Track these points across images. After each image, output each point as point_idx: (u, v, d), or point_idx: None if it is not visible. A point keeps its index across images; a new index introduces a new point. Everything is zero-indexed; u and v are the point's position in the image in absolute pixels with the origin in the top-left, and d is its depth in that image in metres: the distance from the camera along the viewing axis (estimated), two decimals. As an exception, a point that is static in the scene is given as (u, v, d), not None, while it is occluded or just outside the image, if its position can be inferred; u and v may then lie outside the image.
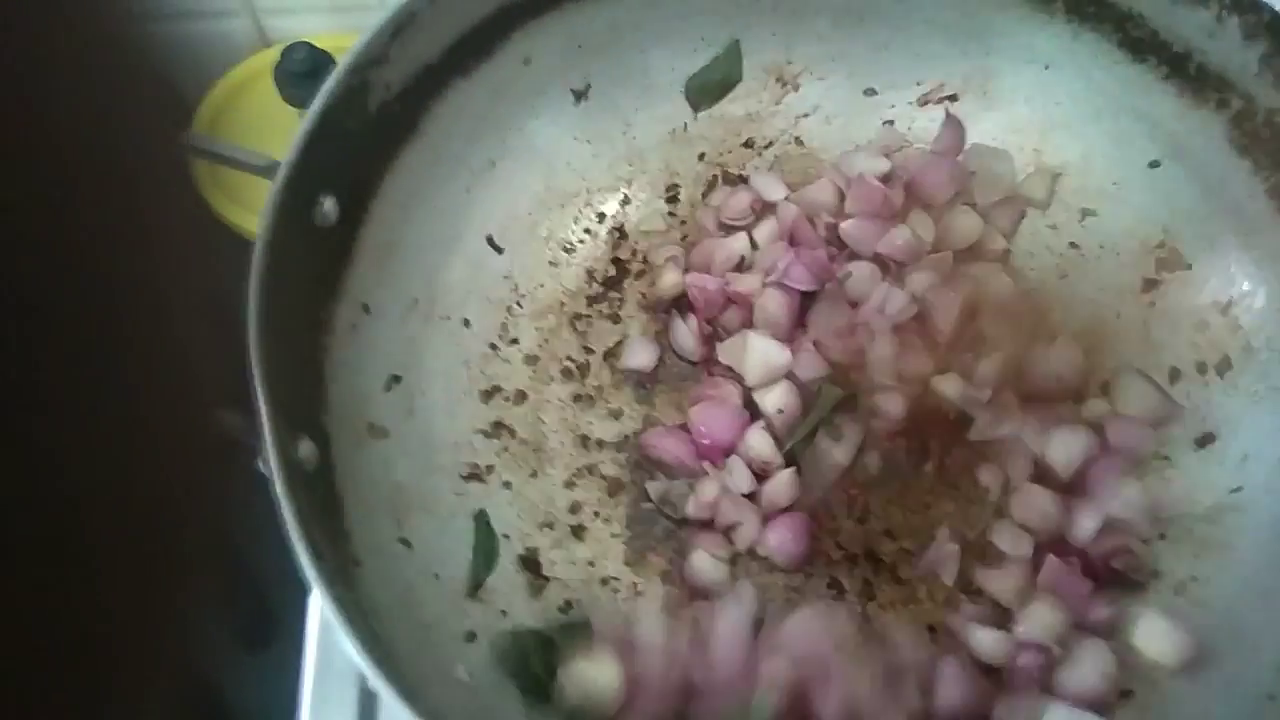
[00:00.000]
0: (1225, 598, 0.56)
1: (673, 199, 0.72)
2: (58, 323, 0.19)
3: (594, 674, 0.51)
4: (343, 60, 0.55)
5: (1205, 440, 0.62)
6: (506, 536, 0.59)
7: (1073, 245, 0.69)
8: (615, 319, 0.68)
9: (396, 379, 0.60)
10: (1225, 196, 0.64)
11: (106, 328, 0.21)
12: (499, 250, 0.66)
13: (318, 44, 0.72)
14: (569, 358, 0.67)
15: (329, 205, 0.54)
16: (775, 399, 0.62)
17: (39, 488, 0.19)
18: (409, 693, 0.43)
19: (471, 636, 0.54)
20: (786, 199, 0.69)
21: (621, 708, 0.51)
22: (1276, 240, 0.62)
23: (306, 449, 0.49)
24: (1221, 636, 0.55)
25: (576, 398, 0.66)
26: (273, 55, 0.74)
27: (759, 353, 0.63)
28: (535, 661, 0.52)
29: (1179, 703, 0.53)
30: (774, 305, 0.64)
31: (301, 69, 0.71)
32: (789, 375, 0.63)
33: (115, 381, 0.21)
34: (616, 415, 0.65)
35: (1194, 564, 0.58)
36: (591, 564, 0.60)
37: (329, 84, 0.54)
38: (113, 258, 0.21)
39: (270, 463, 0.44)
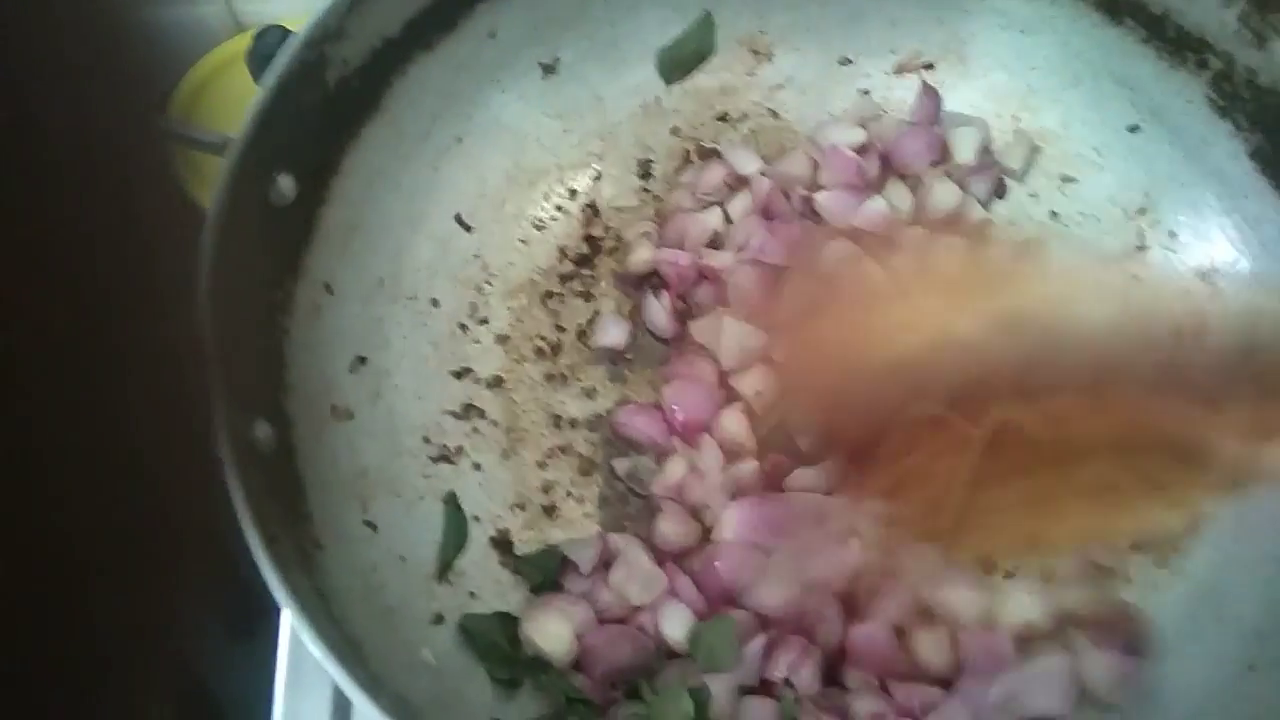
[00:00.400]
0: (1206, 569, 0.55)
1: (646, 174, 0.71)
2: (40, 318, 0.19)
3: (549, 626, 0.50)
4: (297, 35, 0.54)
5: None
6: (477, 518, 0.59)
7: (1053, 214, 0.68)
8: (588, 297, 0.67)
9: (362, 360, 0.59)
10: (1206, 160, 0.63)
11: (92, 323, 0.21)
12: (468, 229, 0.65)
13: (290, 27, 0.70)
14: (541, 337, 0.66)
15: (285, 183, 0.53)
16: (753, 381, 0.61)
17: (30, 485, 0.19)
18: (367, 681, 0.42)
19: (439, 619, 0.53)
20: (761, 173, 0.68)
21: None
22: (1258, 204, 0.61)
23: (263, 431, 0.48)
24: (1203, 608, 0.54)
25: (549, 377, 0.65)
26: (247, 40, 0.73)
27: (733, 336, 0.62)
28: (502, 640, 0.51)
29: (1160, 671, 0.52)
30: (747, 281, 0.63)
31: (274, 52, 0.70)
32: (765, 358, 0.62)
33: (101, 378, 0.21)
34: (590, 394, 0.64)
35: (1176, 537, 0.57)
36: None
37: (283, 59, 0.53)
38: (94, 247, 0.21)
39: (222, 445, 0.43)
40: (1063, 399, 0.44)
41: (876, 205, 0.65)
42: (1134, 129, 0.65)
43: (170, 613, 0.25)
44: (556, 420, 0.63)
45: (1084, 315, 0.45)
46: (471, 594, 0.56)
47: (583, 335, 0.66)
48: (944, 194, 0.67)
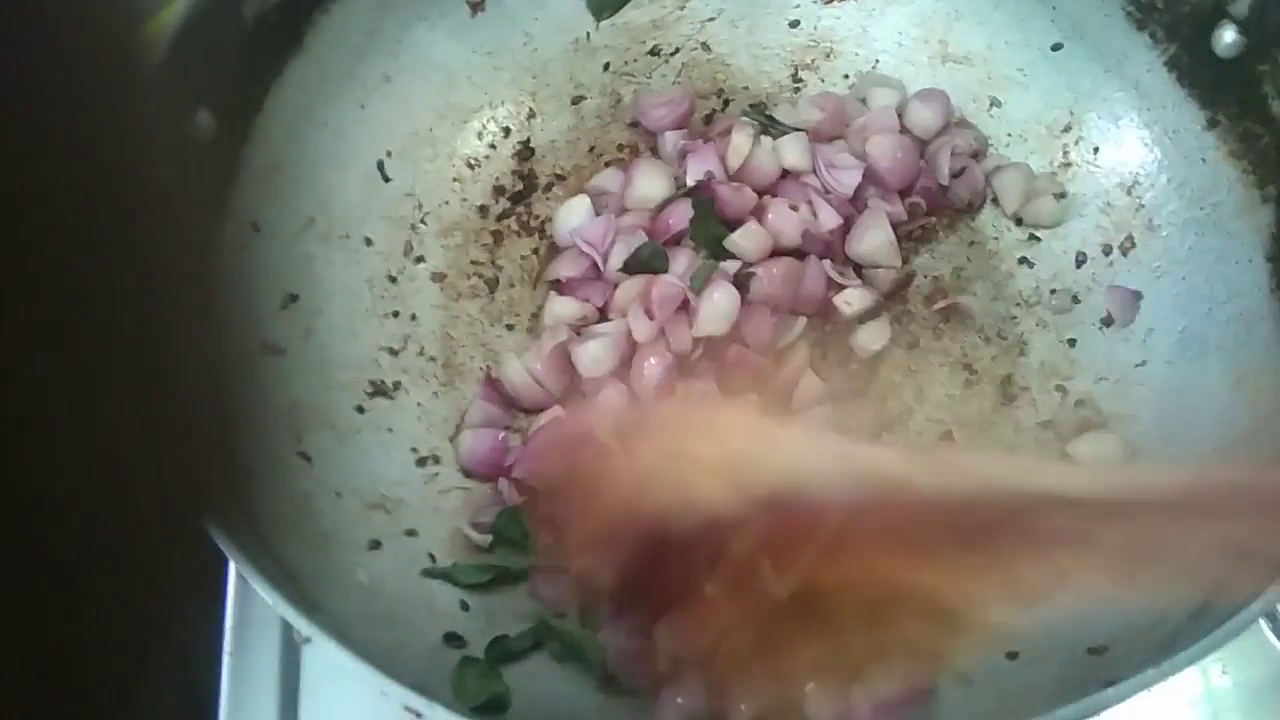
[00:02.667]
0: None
1: (579, 111, 0.71)
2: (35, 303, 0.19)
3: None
4: (209, -32, 0.53)
5: (1110, 319, 0.62)
6: (415, 450, 0.59)
7: (980, 137, 0.68)
8: (523, 233, 0.67)
9: (293, 298, 0.59)
10: (1126, 73, 0.63)
11: (86, 315, 0.21)
12: (387, 179, 0.65)
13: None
14: (478, 275, 0.66)
15: (204, 118, 0.53)
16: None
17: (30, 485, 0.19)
18: (297, 598, 0.43)
19: (375, 544, 0.53)
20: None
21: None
22: (1176, 114, 0.62)
23: (186, 360, 0.49)
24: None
25: (486, 313, 0.65)
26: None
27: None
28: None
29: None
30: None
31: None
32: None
33: (102, 376, 0.21)
34: (529, 329, 0.65)
35: (1099, 439, 0.58)
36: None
37: (195, -7, 0.52)
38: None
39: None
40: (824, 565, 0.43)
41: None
42: (1057, 47, 0.66)
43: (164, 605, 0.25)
44: (495, 354, 0.64)
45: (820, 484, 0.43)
46: (409, 531, 0.56)
47: (518, 272, 0.66)
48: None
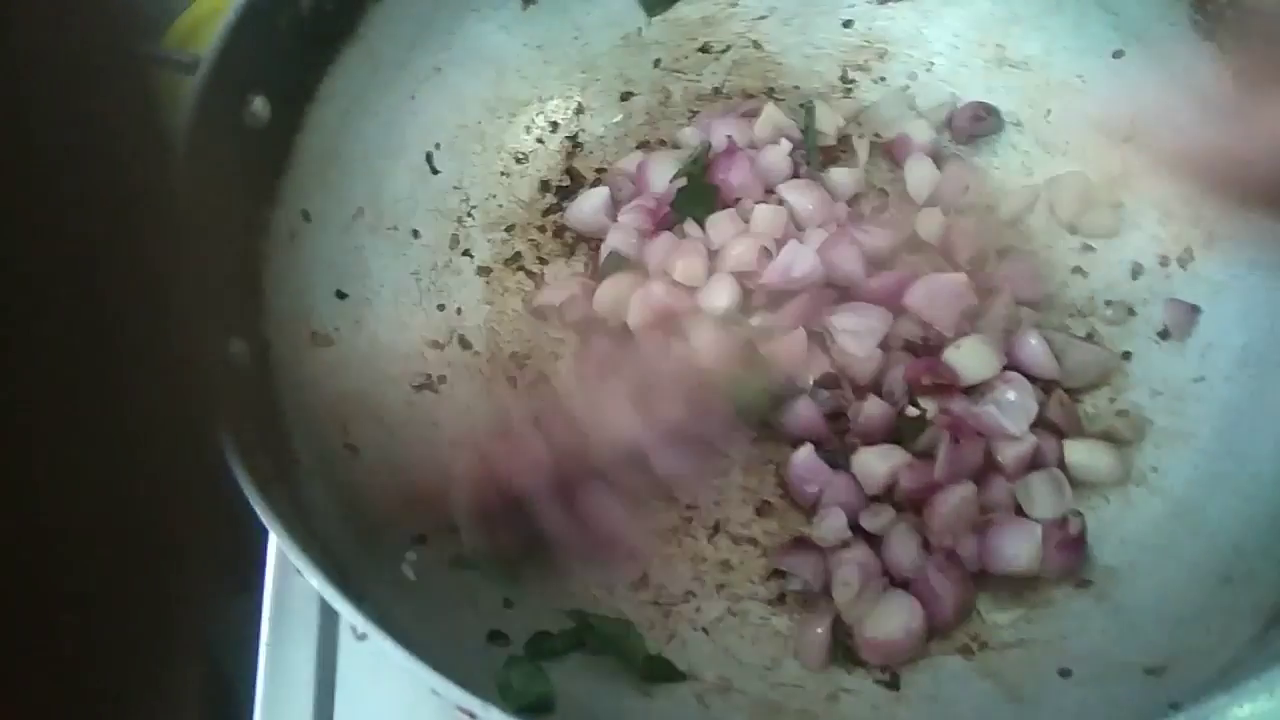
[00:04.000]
0: (1185, 486, 0.56)
1: (628, 107, 0.70)
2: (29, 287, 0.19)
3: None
4: (269, -45, 0.53)
5: (1167, 333, 0.61)
6: (459, 445, 0.59)
7: (1040, 144, 0.67)
8: (569, 228, 0.67)
9: (342, 288, 0.59)
10: (1190, 83, 0.62)
11: (85, 299, 0.20)
12: (435, 171, 0.65)
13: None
14: (522, 269, 0.65)
15: (259, 105, 0.53)
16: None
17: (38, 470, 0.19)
18: (345, 586, 0.42)
19: (420, 540, 0.53)
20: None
21: None
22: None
23: (239, 348, 0.48)
24: (1180, 524, 0.54)
25: (531, 309, 0.64)
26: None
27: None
28: None
29: (1134, 589, 0.52)
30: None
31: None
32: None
33: (105, 368, 0.20)
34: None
35: (1155, 454, 0.57)
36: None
37: (255, -21, 0.52)
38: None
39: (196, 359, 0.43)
40: None
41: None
42: (1118, 54, 0.65)
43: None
44: (538, 349, 0.63)
45: None
46: (452, 526, 0.56)
47: (564, 268, 0.66)
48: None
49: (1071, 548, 0.53)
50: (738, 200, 0.64)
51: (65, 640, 0.20)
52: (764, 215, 0.63)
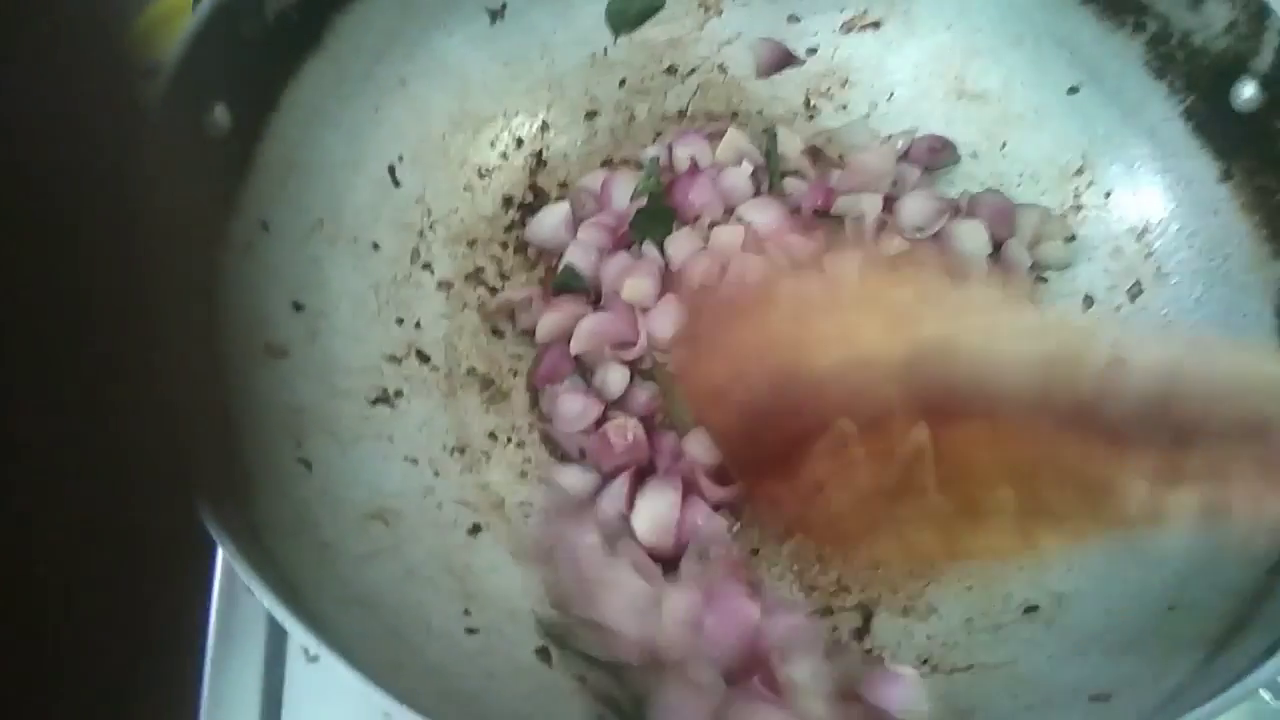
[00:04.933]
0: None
1: (592, 126, 0.70)
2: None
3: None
4: (235, -38, 0.52)
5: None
6: (414, 461, 0.58)
7: (995, 175, 0.69)
8: (531, 245, 0.67)
9: (299, 300, 0.58)
10: (1142, 120, 0.64)
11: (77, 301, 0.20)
12: (397, 184, 0.64)
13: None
14: (483, 284, 0.65)
15: (220, 113, 0.52)
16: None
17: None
18: (296, 606, 0.41)
19: (372, 557, 0.52)
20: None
21: None
22: (1190, 164, 0.62)
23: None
24: (1127, 552, 0.55)
25: (491, 326, 0.64)
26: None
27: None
28: None
29: (1082, 615, 0.53)
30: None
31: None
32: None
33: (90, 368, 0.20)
34: (532, 343, 0.64)
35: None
36: (499, 489, 0.59)
37: (220, -14, 0.51)
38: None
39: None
40: (975, 426, 0.44)
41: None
42: (1073, 90, 0.66)
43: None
44: (498, 367, 0.63)
45: (1008, 350, 0.45)
46: (406, 544, 0.55)
47: (524, 285, 0.65)
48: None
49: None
50: (697, 219, 0.65)
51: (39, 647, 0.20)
52: (724, 234, 0.64)
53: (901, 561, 0.55)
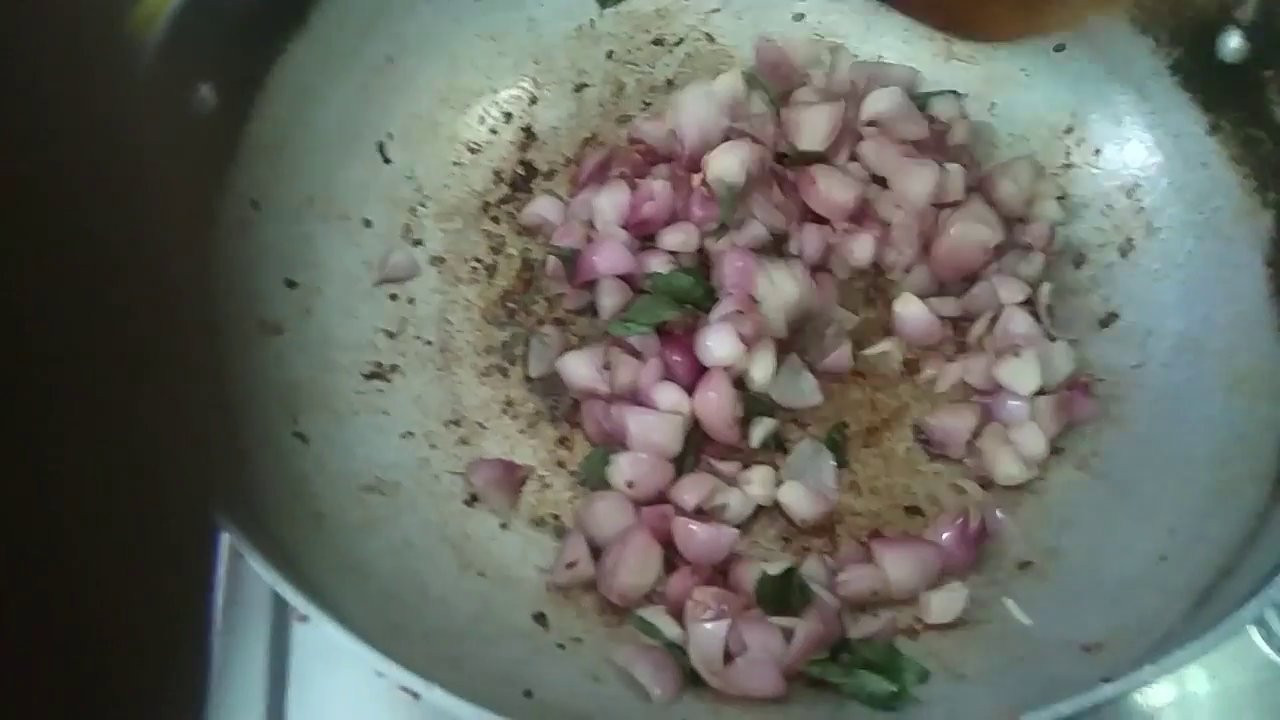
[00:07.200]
0: (1124, 469, 0.57)
1: (580, 98, 0.70)
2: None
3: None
4: (217, -59, 0.53)
5: (1109, 320, 0.62)
6: (410, 434, 0.59)
7: (985, 137, 0.69)
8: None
9: (292, 277, 0.59)
10: (1129, 76, 0.64)
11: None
12: (387, 160, 0.64)
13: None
14: (476, 259, 0.66)
15: (206, 92, 0.53)
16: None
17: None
18: (296, 578, 0.42)
19: (370, 527, 0.53)
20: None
21: None
22: (1178, 118, 0.62)
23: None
24: (1118, 506, 0.56)
25: (484, 299, 0.65)
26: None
27: None
28: None
29: (1075, 568, 0.54)
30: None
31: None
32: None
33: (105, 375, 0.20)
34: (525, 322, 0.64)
35: (1095, 440, 0.59)
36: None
37: (202, -35, 0.52)
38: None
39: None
40: None
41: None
42: (1059, 48, 0.66)
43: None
44: (490, 341, 0.63)
45: None
46: (402, 514, 0.56)
47: (517, 259, 0.66)
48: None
49: (969, 544, 0.54)
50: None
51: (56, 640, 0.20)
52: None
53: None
